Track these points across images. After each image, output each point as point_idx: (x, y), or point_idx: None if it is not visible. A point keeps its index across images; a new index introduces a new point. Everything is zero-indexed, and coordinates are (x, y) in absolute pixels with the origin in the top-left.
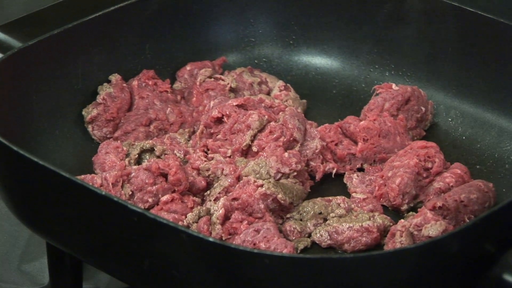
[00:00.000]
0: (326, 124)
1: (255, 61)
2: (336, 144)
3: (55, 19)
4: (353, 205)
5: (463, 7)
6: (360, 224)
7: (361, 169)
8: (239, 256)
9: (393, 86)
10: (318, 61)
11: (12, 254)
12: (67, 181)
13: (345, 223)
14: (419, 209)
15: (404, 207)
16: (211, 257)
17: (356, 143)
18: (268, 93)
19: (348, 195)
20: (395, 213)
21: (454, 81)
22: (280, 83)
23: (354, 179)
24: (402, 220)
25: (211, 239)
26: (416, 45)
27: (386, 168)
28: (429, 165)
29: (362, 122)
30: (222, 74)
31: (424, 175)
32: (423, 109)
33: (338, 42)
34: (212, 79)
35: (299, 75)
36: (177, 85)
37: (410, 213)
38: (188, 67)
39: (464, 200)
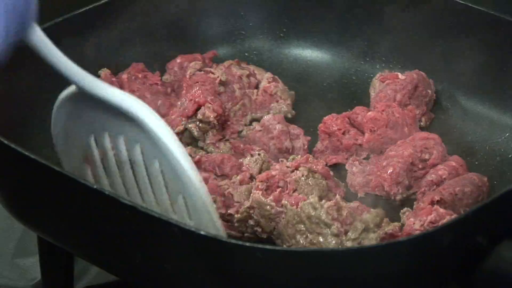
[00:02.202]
0: (334, 114)
1: (246, 54)
2: (343, 133)
3: (45, 13)
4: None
5: None
6: (385, 230)
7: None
8: (231, 250)
9: (399, 75)
10: (309, 53)
11: (5, 249)
12: (58, 175)
13: (367, 239)
14: (416, 204)
15: (398, 197)
16: (203, 250)
17: (363, 133)
18: (257, 86)
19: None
20: (388, 203)
21: (445, 73)
22: (268, 75)
23: (354, 168)
24: (412, 220)
25: (203, 233)
26: (407, 37)
27: (383, 157)
28: (426, 156)
29: (369, 113)
30: (211, 67)
31: (420, 166)
32: (429, 91)
33: (328, 34)
34: (202, 72)
35: (290, 67)
36: (166, 78)
37: (405, 208)
38: (178, 60)
39: (458, 194)
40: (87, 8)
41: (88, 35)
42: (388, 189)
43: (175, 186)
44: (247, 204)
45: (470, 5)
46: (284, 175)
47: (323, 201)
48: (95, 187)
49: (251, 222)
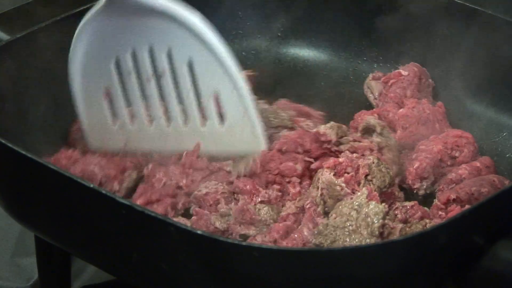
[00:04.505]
0: (364, 110)
1: (243, 53)
2: None
3: (43, 11)
4: (407, 216)
5: None
6: None
7: None
8: (227, 249)
9: (402, 72)
10: (306, 53)
11: (3, 248)
12: (55, 174)
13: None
14: (436, 201)
15: (421, 192)
16: (200, 250)
17: (394, 130)
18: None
19: None
20: (411, 194)
21: (442, 73)
22: None
23: None
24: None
25: (199, 232)
26: (404, 37)
27: (414, 150)
28: (457, 154)
29: (401, 110)
30: None
31: (449, 163)
32: (430, 80)
33: (326, 34)
34: None
35: (287, 67)
36: None
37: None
38: None
39: (474, 193)
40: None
41: None
42: (410, 183)
43: (209, 84)
44: (315, 192)
45: (467, 4)
46: (352, 162)
47: (384, 205)
48: (91, 186)
49: None
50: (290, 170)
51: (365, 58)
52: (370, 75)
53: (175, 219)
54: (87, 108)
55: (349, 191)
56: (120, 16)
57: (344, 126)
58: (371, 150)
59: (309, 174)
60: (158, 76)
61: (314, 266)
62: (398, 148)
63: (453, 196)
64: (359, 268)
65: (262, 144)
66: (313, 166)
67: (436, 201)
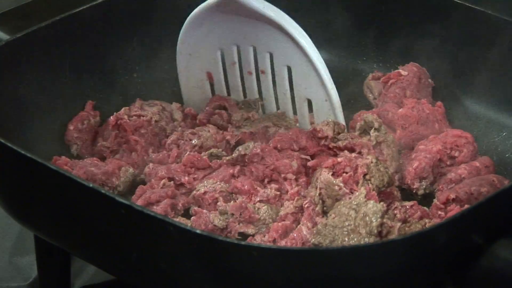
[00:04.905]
0: (363, 110)
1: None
2: None
3: (43, 12)
4: (406, 216)
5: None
6: None
7: None
8: (226, 249)
9: (402, 72)
10: None
11: (2, 248)
12: (55, 174)
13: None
14: (436, 201)
15: (420, 191)
16: (199, 249)
17: (393, 130)
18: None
19: None
20: (411, 194)
21: (442, 73)
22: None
23: None
24: None
25: (198, 231)
26: (403, 37)
27: (414, 151)
28: (456, 154)
29: (400, 110)
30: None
31: (448, 162)
32: (430, 80)
33: (325, 34)
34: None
35: None
36: None
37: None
38: None
39: (474, 193)
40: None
41: (87, 33)
42: (409, 183)
43: (304, 91)
44: (314, 191)
45: (466, 4)
46: (350, 162)
47: (382, 204)
48: (91, 185)
49: None
50: (286, 166)
51: (364, 58)
52: (370, 75)
53: (175, 219)
54: (188, 85)
55: (347, 191)
56: (231, 13)
57: (341, 123)
58: (369, 147)
59: (305, 171)
60: (259, 71)
61: (313, 266)
62: (396, 145)
63: (452, 196)
64: (358, 267)
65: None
66: (309, 164)
67: (435, 200)
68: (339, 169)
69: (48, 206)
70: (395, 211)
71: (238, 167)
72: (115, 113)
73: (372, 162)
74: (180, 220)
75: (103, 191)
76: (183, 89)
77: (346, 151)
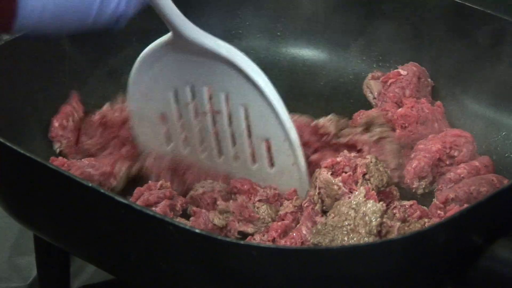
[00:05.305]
0: (362, 110)
1: (243, 53)
2: None
3: None
4: (406, 215)
5: None
6: None
7: None
8: (226, 248)
9: (401, 72)
10: (306, 52)
11: (2, 248)
12: (54, 173)
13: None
14: (435, 200)
15: (420, 191)
16: (199, 249)
17: (393, 130)
18: None
19: None
20: (411, 194)
21: (441, 72)
22: None
23: None
24: None
25: (197, 231)
26: (403, 36)
27: (413, 150)
28: (455, 153)
29: (400, 109)
30: None
31: (447, 162)
32: (429, 80)
33: (325, 34)
34: None
35: (287, 66)
36: None
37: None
38: None
39: (473, 193)
40: None
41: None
42: (409, 182)
43: (261, 130)
44: (313, 191)
45: (467, 4)
46: (349, 161)
47: (382, 204)
48: (90, 185)
49: None
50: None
51: (364, 58)
52: (369, 75)
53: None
54: (141, 126)
55: (346, 190)
56: (183, 51)
57: (344, 119)
58: (369, 145)
59: (307, 165)
60: (213, 112)
61: (312, 265)
62: (398, 142)
63: (451, 195)
64: (357, 267)
65: (305, 189)
66: (311, 158)
67: (435, 200)
68: (338, 168)
69: (48, 206)
70: (394, 211)
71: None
72: (97, 112)
73: (371, 162)
74: (179, 221)
75: (102, 191)
76: (136, 131)
77: (345, 151)
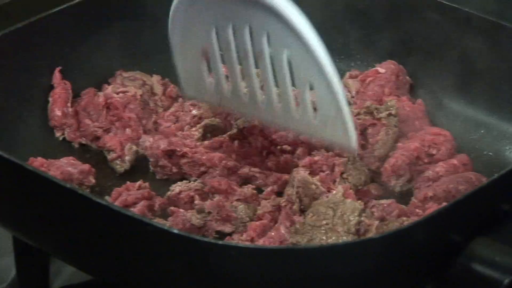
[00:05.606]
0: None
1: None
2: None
3: (19, 12)
4: (385, 214)
5: None
6: None
7: None
8: (205, 248)
9: (379, 70)
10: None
11: None
12: (32, 174)
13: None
14: (414, 199)
15: (397, 188)
16: (177, 249)
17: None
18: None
19: None
20: (387, 190)
21: (419, 71)
22: (157, 77)
23: None
24: None
25: (175, 231)
26: (383, 36)
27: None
28: (434, 151)
29: None
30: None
31: (426, 160)
32: (407, 77)
33: None
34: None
35: None
36: None
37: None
38: None
39: (452, 191)
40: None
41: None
42: (386, 180)
43: (303, 76)
44: (291, 190)
45: (444, 2)
46: (327, 161)
47: (360, 202)
48: (68, 186)
49: None
50: (282, 138)
51: (342, 57)
52: (347, 74)
53: (153, 220)
54: (184, 62)
55: (324, 189)
56: None
57: None
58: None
59: (300, 142)
60: (255, 53)
61: (291, 265)
62: (395, 136)
63: (430, 194)
64: (337, 266)
65: (352, 142)
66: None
67: (413, 198)
68: (316, 167)
69: (26, 207)
70: (373, 209)
71: (237, 142)
72: (101, 93)
73: (349, 161)
74: (158, 221)
75: (80, 192)
76: (178, 67)
77: (323, 149)
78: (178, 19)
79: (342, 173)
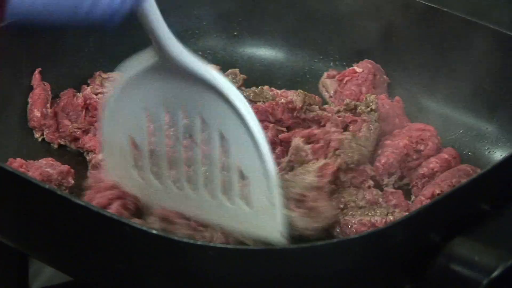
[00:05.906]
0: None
1: (199, 53)
2: None
3: None
4: (380, 199)
5: None
6: (369, 219)
7: None
8: (183, 249)
9: (356, 69)
10: (263, 52)
11: None
12: (11, 175)
13: (358, 216)
14: (415, 198)
15: (389, 186)
16: (155, 249)
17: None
18: None
19: None
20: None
21: (397, 70)
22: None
23: None
24: None
25: (154, 232)
26: (361, 36)
27: (379, 146)
28: (421, 147)
29: None
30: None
31: (414, 157)
32: (385, 76)
33: (282, 33)
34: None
35: (244, 66)
36: None
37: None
38: None
39: (455, 185)
40: None
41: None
42: (378, 178)
43: (239, 164)
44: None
45: (423, 2)
46: (325, 135)
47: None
48: (47, 187)
49: None
50: None
51: (321, 57)
52: (325, 74)
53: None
54: (111, 150)
55: (312, 158)
56: (164, 72)
57: (311, 95)
58: (337, 123)
59: (280, 141)
60: (190, 138)
61: (270, 265)
62: (377, 133)
63: (437, 191)
64: (315, 266)
65: (280, 234)
66: (281, 136)
67: (419, 197)
68: (313, 140)
69: (5, 208)
70: (365, 192)
71: None
72: (80, 94)
73: (347, 138)
74: (135, 221)
75: (59, 193)
76: (105, 158)
77: (327, 125)
78: (111, 103)
79: (336, 150)
